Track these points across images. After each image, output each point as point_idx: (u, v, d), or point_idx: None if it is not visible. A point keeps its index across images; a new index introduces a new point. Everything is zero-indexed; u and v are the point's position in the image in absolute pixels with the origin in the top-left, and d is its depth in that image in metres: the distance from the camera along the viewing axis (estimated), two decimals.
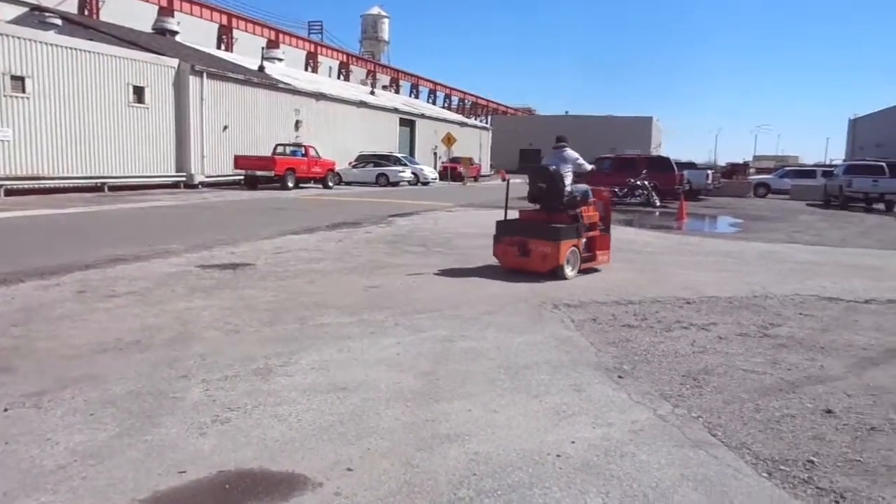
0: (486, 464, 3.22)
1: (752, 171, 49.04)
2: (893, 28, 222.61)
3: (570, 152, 9.14)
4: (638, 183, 23.12)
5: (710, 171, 31.94)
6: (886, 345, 5.64)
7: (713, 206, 26.01)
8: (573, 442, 3.50)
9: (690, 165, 31.53)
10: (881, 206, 26.39)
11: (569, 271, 8.43)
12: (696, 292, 7.66)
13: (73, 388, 4.08)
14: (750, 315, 6.61)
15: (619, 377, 4.59)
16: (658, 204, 22.80)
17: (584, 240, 8.70)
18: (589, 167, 9.52)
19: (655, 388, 4.39)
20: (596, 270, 8.99)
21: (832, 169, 33.48)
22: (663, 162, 26.16)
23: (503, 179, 9.30)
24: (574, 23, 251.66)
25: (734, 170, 44.56)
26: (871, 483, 3.16)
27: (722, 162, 65.30)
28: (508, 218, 9.04)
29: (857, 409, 4.12)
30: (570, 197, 8.72)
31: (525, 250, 8.46)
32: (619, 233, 14.47)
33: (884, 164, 28.44)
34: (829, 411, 4.05)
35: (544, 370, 4.70)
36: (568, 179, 8.83)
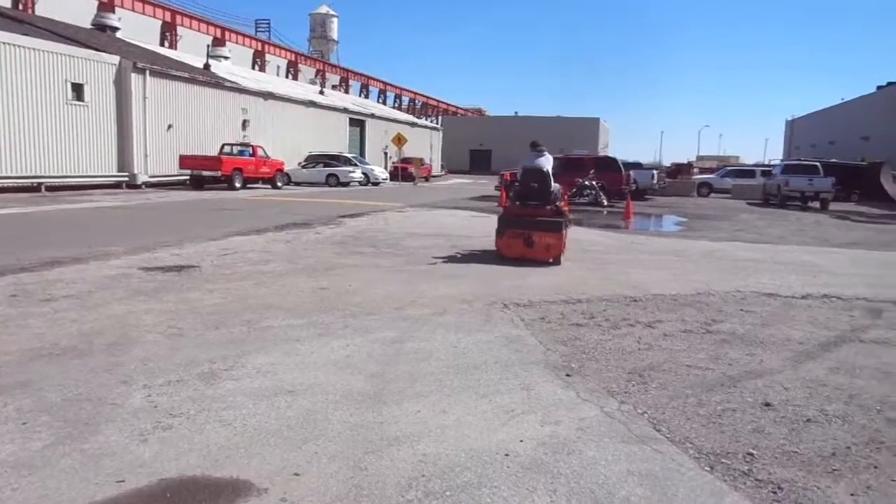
0: (435, 465, 3.22)
1: (695, 170, 50.37)
2: (829, 30, 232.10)
3: (549, 156, 10.60)
4: (586, 183, 23.47)
5: (655, 171, 32.64)
6: (821, 338, 5.86)
7: (659, 205, 26.61)
8: (522, 441, 3.52)
9: (637, 165, 32.13)
10: (816, 204, 27.45)
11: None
12: (643, 290, 7.82)
13: (5, 395, 3.90)
14: (694, 312, 6.78)
15: (567, 375, 4.65)
16: (606, 203, 23.19)
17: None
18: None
19: (602, 386, 4.45)
20: (550, 265, 9.43)
21: (770, 169, 34.69)
22: (610, 162, 26.63)
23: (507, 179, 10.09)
24: (524, 24, 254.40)
25: (679, 170, 45.75)
26: (807, 473, 3.27)
27: (667, 162, 66.95)
28: (508, 214, 10.33)
29: (793, 401, 4.26)
30: (554, 195, 10.16)
31: (529, 242, 9.64)
32: (569, 232, 14.68)
33: (818, 163, 29.63)
34: (767, 404, 4.18)
35: (494, 370, 4.72)
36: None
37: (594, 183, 23.53)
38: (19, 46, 21.64)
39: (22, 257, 8.66)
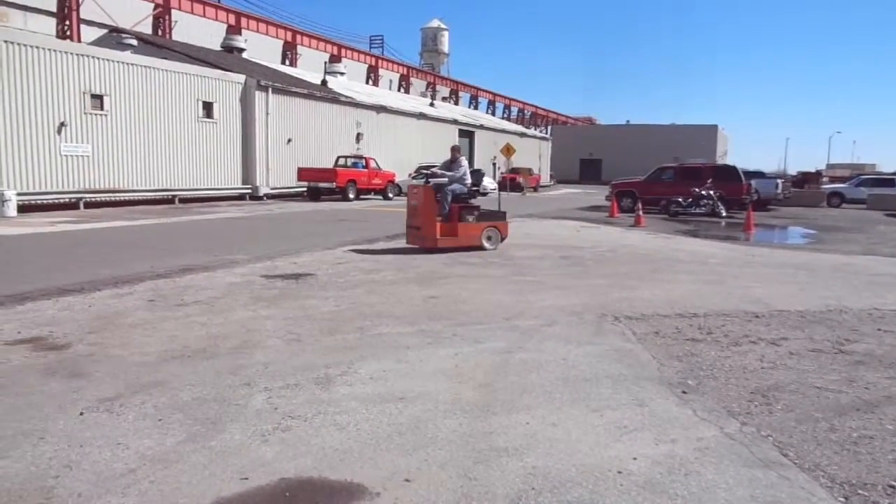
0: (545, 478, 3.17)
1: (825, 179, 47.08)
2: None
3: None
4: (703, 193, 22.49)
5: (779, 181, 30.84)
6: None
7: (783, 216, 25.10)
8: (635, 458, 3.41)
9: (759, 174, 30.48)
10: None
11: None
12: (765, 305, 7.39)
13: (144, 393, 4.23)
14: (824, 330, 6.32)
15: (684, 392, 4.46)
16: (724, 214, 22.12)
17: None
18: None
19: (722, 405, 4.23)
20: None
21: None
22: (729, 171, 25.37)
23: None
24: (635, 30, 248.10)
25: (806, 178, 42.84)
26: None
27: (792, 170, 63.01)
28: None
29: None
30: None
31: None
32: (683, 244, 14.15)
33: None
34: None
35: (605, 383, 4.61)
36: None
37: (712, 193, 22.51)
38: (159, 69, 23.55)
39: (158, 265, 9.36)
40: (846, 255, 12.65)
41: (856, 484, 3.20)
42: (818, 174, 49.01)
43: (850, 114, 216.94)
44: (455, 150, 12.38)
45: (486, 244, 11.69)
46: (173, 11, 39.58)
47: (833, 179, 48.88)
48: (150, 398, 4.15)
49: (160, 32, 38.29)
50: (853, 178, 43.59)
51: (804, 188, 36.95)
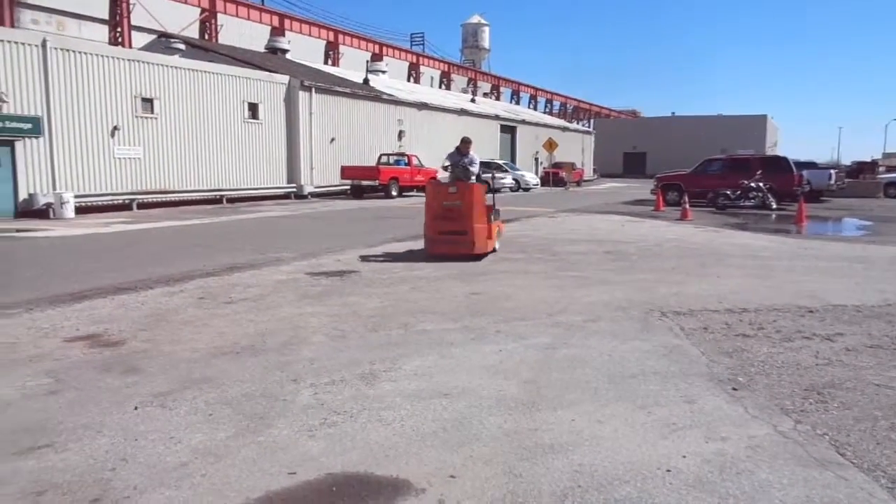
0: (592, 476, 3.14)
1: (881, 169, 45.36)
2: None
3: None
4: (752, 185, 21.92)
5: (832, 171, 29.85)
6: None
7: (837, 207, 24.30)
8: (684, 456, 3.34)
9: (811, 165, 29.58)
10: None
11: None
12: (819, 300, 7.16)
13: (195, 389, 4.33)
14: (882, 325, 6.09)
15: (734, 389, 4.35)
16: (774, 206, 21.53)
17: None
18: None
19: (775, 402, 4.12)
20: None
21: None
22: (779, 162, 24.67)
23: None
24: (677, 20, 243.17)
25: (861, 168, 41.36)
26: None
27: (847, 160, 60.92)
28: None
29: None
30: None
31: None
32: (731, 237, 13.82)
33: None
34: None
35: (652, 380, 4.53)
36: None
37: (761, 184, 21.93)
38: (206, 72, 24.08)
39: (207, 263, 9.58)
40: None
41: None
42: (874, 164, 47.22)
43: None
44: (468, 142, 11.40)
45: (497, 245, 10.92)
46: (219, 15, 40.43)
47: (890, 169, 47.00)
48: (200, 393, 4.24)
49: (206, 36, 39.15)
50: None
51: (859, 178, 35.68)
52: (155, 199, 21.98)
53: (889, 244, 12.81)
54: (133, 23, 34.38)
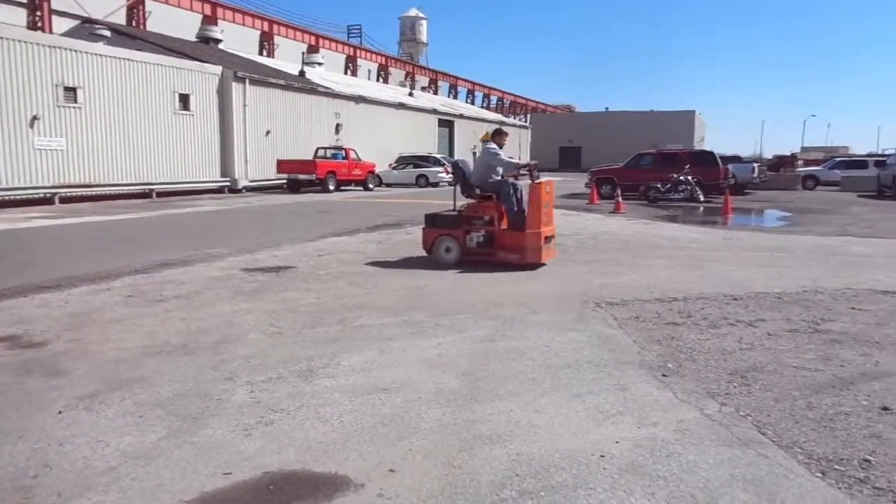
0: (529, 464, 3.19)
1: (800, 162, 47.53)
2: None
3: (489, 147, 9.42)
4: (681, 178, 22.65)
5: (755, 165, 31.14)
6: None
7: (760, 199, 25.38)
8: (617, 442, 3.44)
9: (736, 159, 30.74)
10: None
11: (444, 254, 9.06)
12: (743, 288, 7.48)
13: (124, 390, 4.19)
14: (800, 310, 6.41)
15: (664, 375, 4.50)
16: (702, 199, 22.31)
17: (469, 232, 9.00)
18: (508, 161, 9.75)
19: (702, 387, 4.29)
20: (535, 266, 8.72)
21: (885, 158, 32.33)
22: (707, 156, 25.56)
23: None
24: (614, 17, 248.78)
25: (781, 162, 43.25)
26: None
27: (768, 154, 63.53)
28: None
29: None
30: (478, 188, 9.24)
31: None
32: (662, 229, 14.25)
33: None
34: (885, 408, 3.90)
35: (587, 369, 4.64)
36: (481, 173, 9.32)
37: (690, 178, 22.68)
38: (133, 61, 23.20)
39: (136, 260, 9.26)
40: (821, 237, 12.82)
41: (832, 459, 3.26)
42: (793, 157, 49.46)
43: (823, 97, 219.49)
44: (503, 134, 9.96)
45: None
46: (147, 2, 38.95)
47: (808, 163, 49.34)
48: (130, 395, 4.11)
49: (134, 23, 37.69)
50: (827, 160, 44.16)
51: (780, 172, 37.34)
52: (79, 194, 21.04)
53: (807, 234, 13.47)
54: (54, 7, 32.78)
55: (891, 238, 12.81)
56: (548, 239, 8.97)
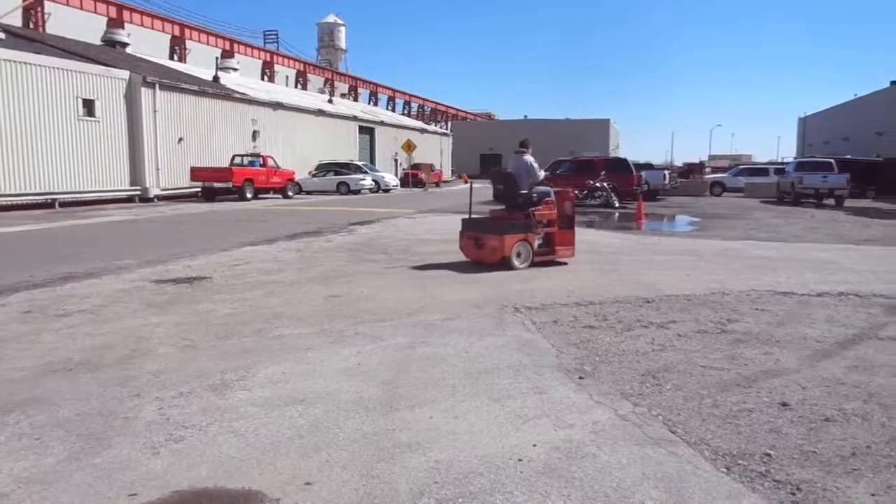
0: (448, 471, 3.19)
1: (707, 170, 50.07)
2: (840, 27, 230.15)
3: (526, 158, 9.98)
4: (597, 185, 23.38)
5: (667, 172, 32.54)
6: (838, 336, 5.77)
7: (671, 205, 26.46)
8: (535, 445, 3.49)
9: (648, 166, 32.04)
10: (831, 201, 27.18)
11: (517, 262, 9.31)
12: (656, 291, 7.75)
13: (18, 412, 3.92)
14: (708, 312, 6.71)
15: (581, 378, 4.60)
16: (617, 205, 23.10)
17: (536, 235, 9.55)
18: (540, 174, 10.18)
19: (616, 388, 4.40)
20: (561, 264, 9.72)
21: (784, 166, 34.42)
22: (621, 163, 26.52)
23: (465, 182, 9.75)
24: (529, 28, 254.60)
25: (690, 170, 45.51)
26: (825, 473, 3.21)
27: (679, 162, 66.52)
28: (472, 216, 10.00)
29: (811, 400, 4.19)
30: (526, 197, 9.66)
31: (479, 244, 9.46)
32: (580, 234, 14.58)
33: (832, 160, 29.37)
34: (784, 404, 4.11)
35: (506, 374, 4.69)
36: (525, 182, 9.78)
37: (605, 184, 23.43)
38: (31, 64, 21.88)
39: (36, 274, 8.73)
40: (727, 241, 13.50)
41: (736, 455, 3.41)
42: (701, 165, 52.11)
43: (728, 107, 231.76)
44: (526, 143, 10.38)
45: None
46: (46, 3, 37.01)
47: (715, 170, 52.07)
48: (25, 416, 3.85)
49: (31, 25, 35.72)
50: (732, 168, 46.62)
51: (689, 178, 39.19)
52: None
53: (714, 238, 14.15)
54: None
55: (791, 241, 13.62)
56: None
